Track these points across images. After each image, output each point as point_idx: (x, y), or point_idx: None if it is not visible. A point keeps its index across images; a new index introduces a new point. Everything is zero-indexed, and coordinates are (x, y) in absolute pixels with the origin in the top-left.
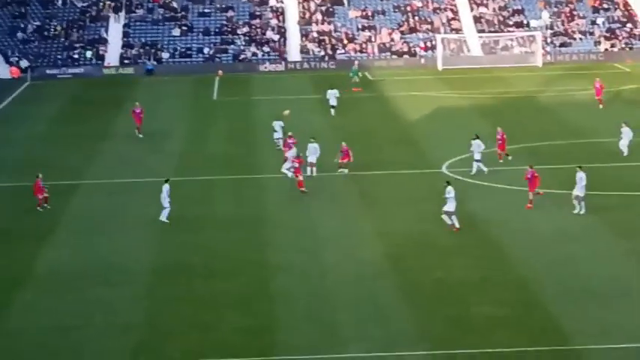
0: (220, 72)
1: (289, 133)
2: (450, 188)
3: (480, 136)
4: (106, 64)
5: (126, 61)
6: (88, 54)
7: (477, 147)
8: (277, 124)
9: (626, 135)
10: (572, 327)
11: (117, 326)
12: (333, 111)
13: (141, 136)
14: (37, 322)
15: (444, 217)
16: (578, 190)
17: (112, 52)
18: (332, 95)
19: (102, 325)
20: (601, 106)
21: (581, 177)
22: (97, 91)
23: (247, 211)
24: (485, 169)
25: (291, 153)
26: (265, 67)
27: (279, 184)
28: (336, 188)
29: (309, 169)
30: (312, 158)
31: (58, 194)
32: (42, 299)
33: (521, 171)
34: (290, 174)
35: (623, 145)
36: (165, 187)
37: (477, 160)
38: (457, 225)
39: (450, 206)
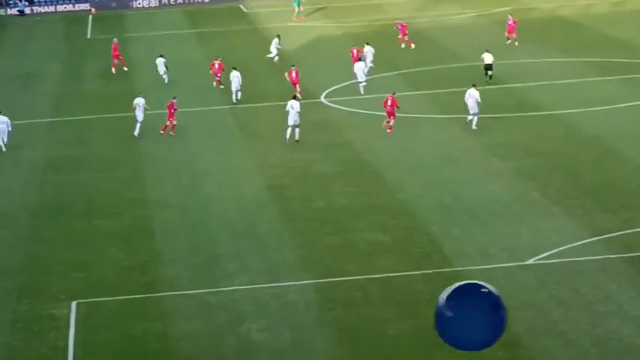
0: (93, 10)
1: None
2: (290, 102)
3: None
4: None
5: None
6: None
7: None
8: (161, 62)
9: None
10: (453, 249)
11: None
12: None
13: (113, 71)
14: None
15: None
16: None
17: None
18: (274, 45)
19: None
20: (411, 46)
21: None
22: None
23: (126, 150)
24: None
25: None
26: (139, 4)
27: (157, 120)
28: (214, 122)
29: (233, 95)
30: (235, 86)
31: None
32: None
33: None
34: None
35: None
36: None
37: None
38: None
39: (289, 120)
